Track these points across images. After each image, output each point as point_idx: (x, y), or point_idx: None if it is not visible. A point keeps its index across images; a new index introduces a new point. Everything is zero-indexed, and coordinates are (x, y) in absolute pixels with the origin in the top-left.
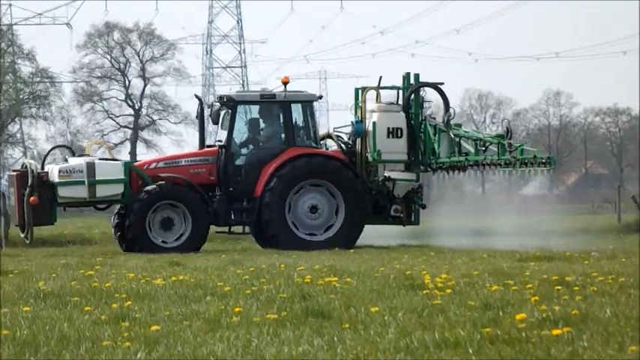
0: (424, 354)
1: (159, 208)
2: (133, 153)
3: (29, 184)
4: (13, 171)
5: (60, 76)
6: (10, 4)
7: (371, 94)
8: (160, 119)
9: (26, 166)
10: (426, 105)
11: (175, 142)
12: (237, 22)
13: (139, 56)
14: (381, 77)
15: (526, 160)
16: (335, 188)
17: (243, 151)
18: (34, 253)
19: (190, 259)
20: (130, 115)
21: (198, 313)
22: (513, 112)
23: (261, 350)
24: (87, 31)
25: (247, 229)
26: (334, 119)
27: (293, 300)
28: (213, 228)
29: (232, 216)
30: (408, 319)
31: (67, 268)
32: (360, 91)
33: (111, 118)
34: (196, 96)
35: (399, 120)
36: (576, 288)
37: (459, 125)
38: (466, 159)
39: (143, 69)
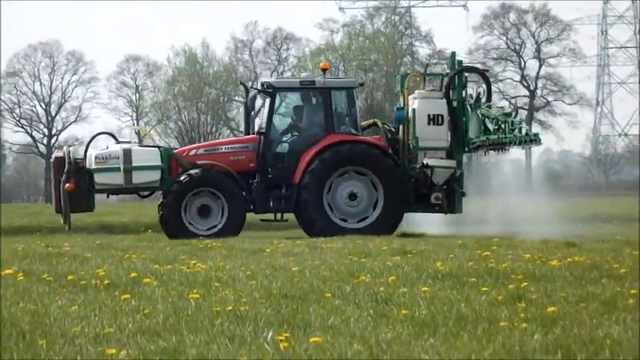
0: None
1: (198, 194)
2: None
3: (65, 170)
4: (54, 157)
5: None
6: None
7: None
8: (554, 100)
9: (64, 153)
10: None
11: (570, 123)
12: (632, 2)
13: (534, 37)
14: (427, 64)
15: (523, 139)
16: (375, 177)
17: (283, 138)
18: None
19: (586, 241)
20: (525, 96)
21: (594, 295)
22: None
23: None
24: (483, 12)
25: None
26: None
27: None
28: (257, 215)
29: (271, 203)
30: None
31: (463, 249)
32: (404, 78)
33: (506, 99)
34: (241, 83)
35: (440, 106)
36: None
37: (487, 104)
38: (487, 138)
39: (538, 50)
